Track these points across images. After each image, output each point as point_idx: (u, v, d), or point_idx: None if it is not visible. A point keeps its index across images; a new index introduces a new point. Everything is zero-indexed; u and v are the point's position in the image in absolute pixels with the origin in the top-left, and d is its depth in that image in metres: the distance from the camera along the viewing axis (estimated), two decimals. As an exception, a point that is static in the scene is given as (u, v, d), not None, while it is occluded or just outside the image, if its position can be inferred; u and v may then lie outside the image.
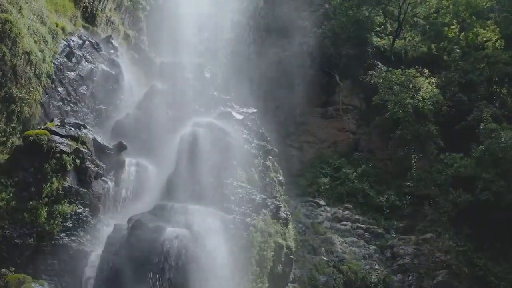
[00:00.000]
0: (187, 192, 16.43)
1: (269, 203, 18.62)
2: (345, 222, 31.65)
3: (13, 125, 16.90)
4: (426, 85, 34.36)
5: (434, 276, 26.87)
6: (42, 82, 18.09)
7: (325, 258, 26.54)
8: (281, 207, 19.52)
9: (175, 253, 14.37)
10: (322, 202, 33.67)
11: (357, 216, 32.41)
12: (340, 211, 32.86)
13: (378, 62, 38.58)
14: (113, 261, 14.70)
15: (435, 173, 32.57)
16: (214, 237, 15.10)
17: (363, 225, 31.39)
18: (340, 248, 28.24)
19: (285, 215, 19.72)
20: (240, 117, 19.98)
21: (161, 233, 14.42)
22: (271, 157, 21.16)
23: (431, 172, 32.94)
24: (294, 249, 19.97)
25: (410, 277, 27.23)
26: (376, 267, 27.55)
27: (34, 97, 17.66)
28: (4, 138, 16.62)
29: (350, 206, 33.33)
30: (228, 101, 22.37)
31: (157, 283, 14.26)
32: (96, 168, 17.03)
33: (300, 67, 40.44)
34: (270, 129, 39.16)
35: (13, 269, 14.27)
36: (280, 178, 21.82)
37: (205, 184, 16.63)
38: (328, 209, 33.31)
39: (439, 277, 26.69)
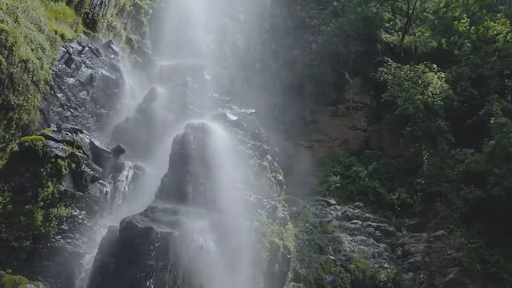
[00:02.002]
0: (179, 194, 16.62)
1: (265, 203, 18.68)
2: (355, 221, 31.47)
3: (12, 131, 17.26)
4: (436, 80, 33.88)
5: (446, 274, 26.58)
6: (41, 88, 18.47)
7: (332, 257, 26.35)
8: (278, 207, 19.54)
9: (164, 254, 14.58)
10: (332, 201, 33.58)
11: (367, 215, 32.22)
12: (351, 209, 32.69)
13: (388, 59, 38.21)
14: (106, 262, 14.94)
15: (446, 169, 32.17)
16: (203, 237, 15.27)
17: (373, 223, 31.17)
18: (348, 246, 28.05)
19: (282, 215, 19.74)
20: (234, 118, 20.07)
21: (151, 234, 14.63)
22: (269, 157, 21.16)
23: (442, 168, 32.58)
24: (292, 249, 19.96)
25: (422, 275, 27.01)
26: (386, 265, 27.27)
27: (33, 103, 18.03)
28: (4, 145, 17.00)
29: (361, 204, 33.17)
30: (227, 102, 22.50)
31: (148, 283, 14.49)
32: (92, 172, 17.35)
33: (309, 66, 40.50)
34: (280, 129, 39.46)
35: (10, 271, 14.69)
36: (280, 178, 21.78)
37: (196, 186, 16.77)
38: (339, 207, 33.20)
39: (451, 275, 26.39)
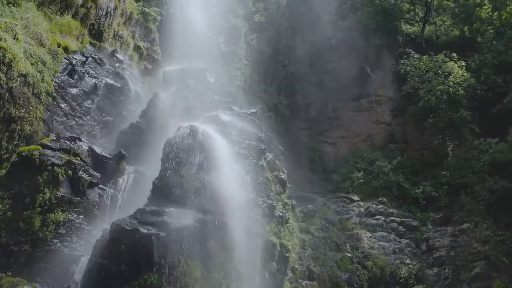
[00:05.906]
0: (170, 196, 16.95)
1: (260, 203, 18.72)
2: (378, 217, 31.03)
3: (15, 142, 18.15)
4: (456, 70, 32.79)
5: (472, 268, 25.83)
6: (42, 100, 19.33)
7: (348, 255, 26.09)
8: (275, 206, 19.50)
9: (149, 254, 15.00)
10: (355, 198, 33.22)
11: (391, 210, 31.71)
12: (374, 205, 32.24)
13: (410, 50, 37.32)
14: (99, 264, 15.52)
15: (472, 161, 31.12)
16: (189, 237, 15.56)
17: (397, 219, 30.65)
18: (367, 243, 27.68)
19: (281, 214, 19.68)
20: (228, 119, 20.21)
21: (136, 235, 15.08)
22: (271, 156, 21.15)
23: (467, 160, 31.58)
24: (290, 247, 19.87)
25: (447, 270, 26.41)
26: (407, 261, 26.77)
27: (35, 115, 18.91)
28: (7, 155, 17.93)
29: (385, 199, 32.67)
30: (228, 104, 22.67)
31: (136, 282, 14.95)
32: (90, 178, 18.02)
33: (329, 62, 40.09)
34: (302, 127, 39.37)
35: (10, 273, 15.56)
36: (283, 177, 21.72)
37: (187, 187, 17.04)
38: (362, 204, 32.83)
39: (476, 269, 25.63)
